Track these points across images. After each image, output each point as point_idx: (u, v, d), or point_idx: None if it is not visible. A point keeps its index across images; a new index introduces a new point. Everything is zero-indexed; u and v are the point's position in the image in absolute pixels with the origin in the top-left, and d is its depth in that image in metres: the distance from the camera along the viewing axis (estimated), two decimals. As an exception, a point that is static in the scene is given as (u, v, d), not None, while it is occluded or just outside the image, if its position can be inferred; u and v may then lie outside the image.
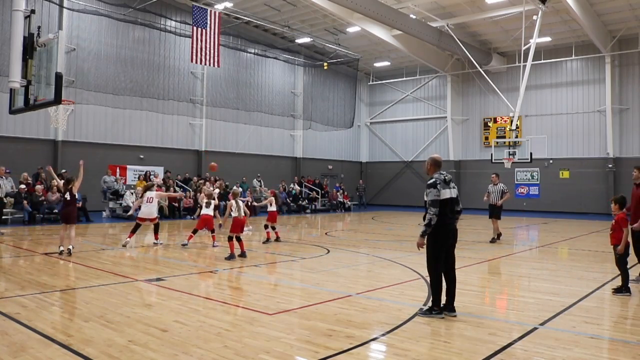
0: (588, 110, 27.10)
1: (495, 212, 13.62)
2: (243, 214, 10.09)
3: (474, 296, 7.05)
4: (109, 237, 13.98)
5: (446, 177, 5.95)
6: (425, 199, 5.81)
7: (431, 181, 5.86)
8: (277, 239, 12.82)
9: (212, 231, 11.84)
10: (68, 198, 10.16)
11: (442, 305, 5.79)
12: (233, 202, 10.03)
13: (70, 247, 10.01)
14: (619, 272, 7.23)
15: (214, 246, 11.55)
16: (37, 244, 11.92)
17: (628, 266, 7.48)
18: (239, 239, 9.98)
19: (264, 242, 12.54)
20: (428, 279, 7.76)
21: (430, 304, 5.90)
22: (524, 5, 21.16)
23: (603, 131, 26.40)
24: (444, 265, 5.88)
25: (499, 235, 13.65)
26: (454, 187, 6.00)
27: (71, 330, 5.13)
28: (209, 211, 11.72)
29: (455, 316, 5.77)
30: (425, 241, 5.82)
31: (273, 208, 12.82)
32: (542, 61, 27.22)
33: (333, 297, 6.78)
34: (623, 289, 7.06)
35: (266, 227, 12.79)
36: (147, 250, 11.25)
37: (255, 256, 10.59)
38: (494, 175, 13.96)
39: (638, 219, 7.50)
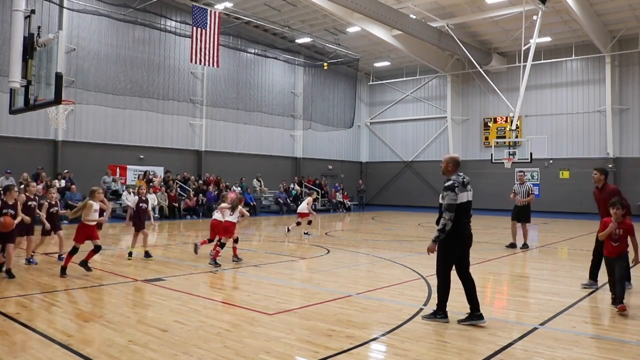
0: (588, 110, 27.08)
1: (523, 214, 12.39)
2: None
3: (474, 296, 7.04)
4: (108, 237, 13.95)
5: (464, 180, 5.56)
6: (441, 201, 5.47)
7: (449, 183, 5.46)
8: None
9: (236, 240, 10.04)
10: (142, 206, 10.09)
11: (468, 312, 5.57)
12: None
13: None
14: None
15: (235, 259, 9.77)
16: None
17: (598, 281, 7.48)
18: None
19: (212, 266, 9.10)
20: (429, 279, 7.82)
21: (434, 307, 5.76)
22: (524, 5, 21.15)
23: (603, 131, 26.38)
24: (459, 267, 5.65)
25: (521, 244, 12.28)
26: (470, 190, 5.62)
27: (71, 330, 5.13)
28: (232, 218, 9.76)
29: (484, 323, 5.43)
30: (436, 247, 5.52)
31: (230, 217, 9.43)
32: (542, 61, 27.18)
33: (333, 297, 6.77)
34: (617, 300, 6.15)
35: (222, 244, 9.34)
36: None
37: (255, 256, 10.58)
38: (520, 173, 13.34)
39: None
